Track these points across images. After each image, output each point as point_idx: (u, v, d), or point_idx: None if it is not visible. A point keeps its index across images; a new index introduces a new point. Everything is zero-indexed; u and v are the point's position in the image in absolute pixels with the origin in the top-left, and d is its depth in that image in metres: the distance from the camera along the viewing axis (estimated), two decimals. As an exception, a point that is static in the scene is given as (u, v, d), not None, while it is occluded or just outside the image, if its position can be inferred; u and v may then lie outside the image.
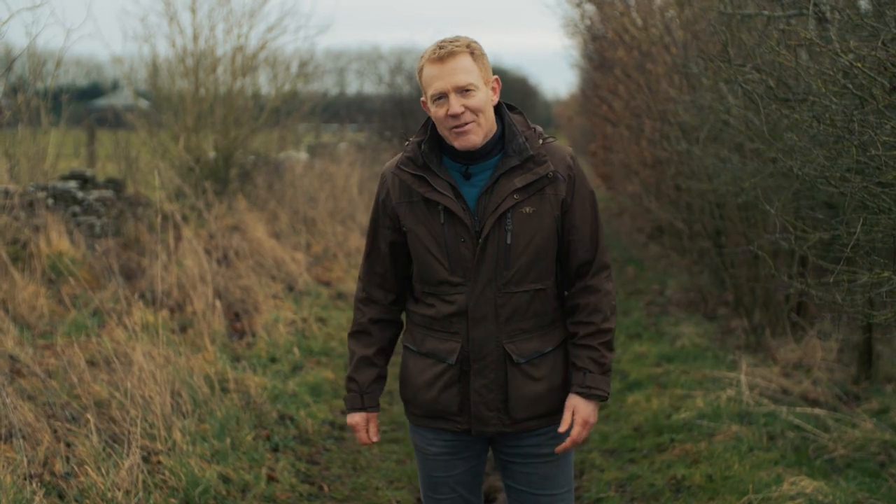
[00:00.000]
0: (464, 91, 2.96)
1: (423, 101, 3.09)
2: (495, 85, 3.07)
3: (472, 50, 2.99)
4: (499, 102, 3.13)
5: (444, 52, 2.95)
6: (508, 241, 3.03)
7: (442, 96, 2.97)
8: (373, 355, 3.26)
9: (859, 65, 4.15)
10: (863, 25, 4.46)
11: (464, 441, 3.24)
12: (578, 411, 3.11)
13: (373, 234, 3.23)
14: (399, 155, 3.18)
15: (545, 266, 3.10)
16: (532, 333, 3.11)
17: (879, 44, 4.13)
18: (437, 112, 3.00)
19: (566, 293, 3.21)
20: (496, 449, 3.28)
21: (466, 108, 2.96)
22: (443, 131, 3.03)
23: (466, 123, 2.97)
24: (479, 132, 3.00)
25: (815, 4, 4.97)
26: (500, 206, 3.01)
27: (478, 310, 3.07)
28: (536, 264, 3.07)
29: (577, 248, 3.12)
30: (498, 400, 3.12)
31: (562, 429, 3.13)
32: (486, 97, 3.00)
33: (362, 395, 3.26)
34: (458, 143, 3.00)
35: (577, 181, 3.09)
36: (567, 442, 3.14)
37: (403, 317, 3.36)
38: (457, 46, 2.96)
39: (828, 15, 5.05)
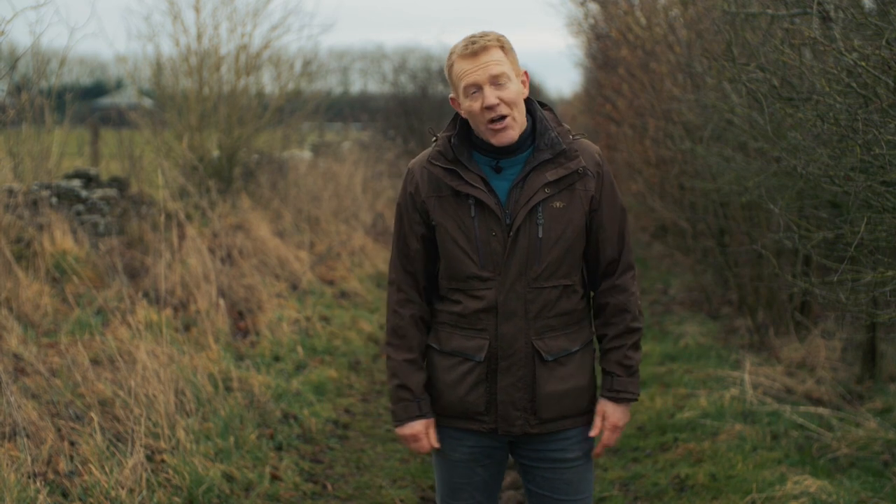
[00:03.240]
0: (498, 83, 2.97)
1: (451, 99, 3.10)
2: (524, 78, 3.07)
3: (503, 44, 3.01)
4: (529, 98, 3.13)
5: (477, 47, 2.97)
6: (540, 235, 3.02)
7: (476, 89, 2.97)
8: (418, 357, 3.18)
9: (863, 63, 4.14)
10: (867, 24, 4.46)
11: (486, 448, 3.21)
12: (608, 416, 3.16)
13: (401, 233, 3.19)
14: (427, 150, 3.16)
15: (573, 262, 3.10)
16: (559, 331, 3.10)
17: (883, 42, 4.13)
18: (471, 106, 2.99)
19: (592, 293, 3.22)
20: (518, 453, 3.24)
21: (501, 99, 2.96)
22: (478, 127, 3.02)
23: (503, 118, 2.97)
24: (515, 126, 3.01)
25: (819, 3, 4.97)
26: (532, 199, 3.01)
27: (507, 305, 3.05)
28: (566, 260, 3.07)
29: (605, 246, 3.12)
30: (525, 399, 3.10)
31: (593, 433, 3.18)
32: (518, 90, 3.01)
33: (419, 402, 3.15)
34: (496, 140, 3.00)
35: (605, 179, 3.11)
36: (598, 447, 3.20)
37: None
38: (488, 41, 2.98)
39: (832, 14, 5.05)
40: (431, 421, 3.18)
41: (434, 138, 3.17)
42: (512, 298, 3.05)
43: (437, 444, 3.19)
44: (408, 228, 3.17)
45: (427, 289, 3.22)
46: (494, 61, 2.96)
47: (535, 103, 3.13)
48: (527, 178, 3.03)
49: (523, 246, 3.03)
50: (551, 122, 3.10)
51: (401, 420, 3.17)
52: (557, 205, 3.03)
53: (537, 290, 3.05)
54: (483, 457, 3.22)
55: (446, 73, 3.09)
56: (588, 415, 3.20)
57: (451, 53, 3.03)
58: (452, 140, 3.08)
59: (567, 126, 3.15)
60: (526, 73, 3.09)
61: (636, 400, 3.19)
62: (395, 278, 3.21)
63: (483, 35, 3.00)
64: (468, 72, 2.97)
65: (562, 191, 3.04)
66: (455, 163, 3.06)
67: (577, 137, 3.13)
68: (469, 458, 3.22)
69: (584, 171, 3.06)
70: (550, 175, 3.02)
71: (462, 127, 3.10)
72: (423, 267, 3.19)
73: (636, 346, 3.17)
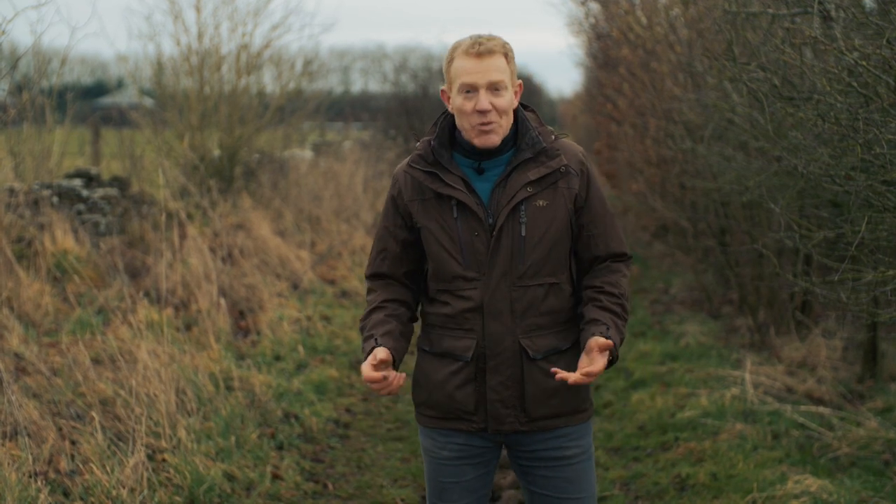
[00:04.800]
0: (495, 89, 2.98)
1: (442, 91, 3.11)
2: (518, 89, 3.10)
3: (507, 51, 3.03)
4: None
5: (483, 49, 2.98)
6: (523, 234, 3.03)
7: (472, 90, 2.99)
8: (387, 317, 3.10)
9: (864, 63, 4.14)
10: (868, 23, 4.46)
11: (475, 447, 3.20)
12: (599, 340, 2.90)
13: (382, 235, 3.21)
14: (411, 155, 3.19)
15: (559, 260, 3.10)
16: (548, 330, 3.10)
17: (884, 42, 4.13)
18: (462, 104, 3.01)
19: (587, 275, 3.18)
20: (514, 454, 3.23)
21: (494, 105, 2.98)
22: (463, 125, 3.04)
23: (491, 123, 2.99)
24: (500, 133, 3.03)
25: (820, 2, 4.97)
26: (514, 198, 3.02)
27: (493, 304, 3.06)
28: (550, 258, 3.07)
29: (597, 242, 3.13)
30: (514, 397, 3.10)
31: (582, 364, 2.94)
32: (510, 99, 3.03)
33: (375, 339, 3.03)
34: (479, 141, 3.02)
35: (590, 177, 3.12)
36: (581, 373, 2.90)
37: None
38: (494, 45, 2.99)
39: (832, 13, 5.05)
40: (383, 348, 2.99)
41: (417, 142, 3.19)
42: (497, 298, 3.06)
43: (382, 356, 2.93)
44: (389, 232, 3.19)
45: (406, 283, 3.23)
46: (496, 68, 2.98)
47: (518, 105, 3.15)
48: (508, 177, 3.05)
49: (506, 245, 3.04)
50: (533, 122, 3.12)
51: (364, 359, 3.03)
52: (540, 203, 3.04)
53: (522, 288, 3.06)
54: (472, 456, 3.21)
55: (445, 65, 3.09)
56: (583, 413, 3.19)
57: (455, 48, 3.03)
58: (432, 143, 3.10)
59: (549, 127, 3.17)
60: (521, 84, 3.11)
61: (615, 361, 2.98)
62: (370, 273, 3.25)
63: (490, 38, 3.01)
64: (469, 71, 2.98)
65: (544, 189, 3.05)
66: (435, 165, 3.08)
67: (560, 137, 3.15)
68: (458, 456, 3.21)
69: (567, 170, 3.07)
70: (532, 174, 3.03)
71: (443, 130, 3.12)
72: (401, 268, 3.21)
73: (624, 327, 3.05)
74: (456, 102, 3.03)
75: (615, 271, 3.14)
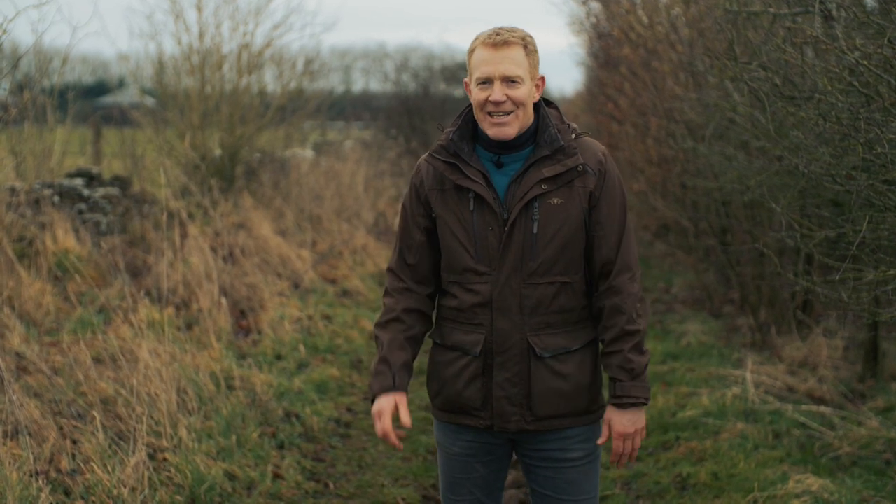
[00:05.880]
0: (510, 82, 2.98)
1: (465, 82, 3.11)
2: (540, 83, 3.09)
3: (526, 44, 3.02)
4: None
5: (500, 40, 2.98)
6: (535, 231, 3.03)
7: (487, 81, 2.99)
8: (405, 340, 3.15)
9: (865, 62, 4.14)
10: (869, 23, 4.46)
11: (485, 444, 3.21)
12: (613, 425, 3.14)
13: (405, 224, 3.21)
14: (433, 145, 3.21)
15: (572, 259, 3.08)
16: (558, 329, 3.09)
17: (885, 41, 4.13)
18: (479, 95, 3.01)
19: (594, 296, 3.18)
20: (520, 451, 3.24)
21: (509, 97, 2.98)
22: (479, 115, 3.05)
23: (506, 114, 2.99)
24: (516, 125, 3.02)
25: (821, 2, 4.97)
26: (527, 194, 3.01)
27: (502, 300, 3.06)
28: (562, 256, 3.06)
29: (600, 245, 3.10)
30: (520, 395, 3.10)
31: (600, 441, 3.17)
32: (529, 92, 3.02)
33: (394, 375, 3.11)
34: (492, 133, 3.02)
35: (607, 177, 3.09)
36: (612, 457, 3.18)
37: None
38: (512, 36, 2.99)
39: (834, 12, 5.05)
40: (403, 396, 3.11)
41: (441, 132, 3.19)
42: (507, 294, 3.06)
43: (407, 422, 3.09)
44: (411, 220, 3.19)
45: (431, 283, 3.22)
46: (512, 59, 2.98)
47: (541, 100, 3.14)
48: (525, 173, 3.04)
49: (518, 241, 3.04)
50: (554, 119, 3.11)
51: (374, 393, 3.13)
52: (555, 201, 3.03)
53: (532, 286, 3.05)
54: (482, 453, 3.22)
55: (467, 56, 3.11)
56: (591, 415, 3.19)
57: (476, 39, 3.05)
58: (452, 135, 3.10)
59: (573, 124, 3.15)
60: (542, 78, 3.10)
61: (645, 404, 3.15)
62: (394, 267, 3.25)
63: (510, 30, 3.01)
64: (485, 62, 2.99)
65: (560, 187, 3.04)
66: (455, 157, 3.08)
67: (582, 135, 3.12)
68: (467, 452, 3.22)
69: (584, 169, 3.05)
70: (547, 171, 3.02)
71: (466, 122, 3.12)
72: (426, 261, 3.20)
73: (637, 349, 3.13)
74: (474, 93, 3.04)
75: (617, 292, 3.08)
